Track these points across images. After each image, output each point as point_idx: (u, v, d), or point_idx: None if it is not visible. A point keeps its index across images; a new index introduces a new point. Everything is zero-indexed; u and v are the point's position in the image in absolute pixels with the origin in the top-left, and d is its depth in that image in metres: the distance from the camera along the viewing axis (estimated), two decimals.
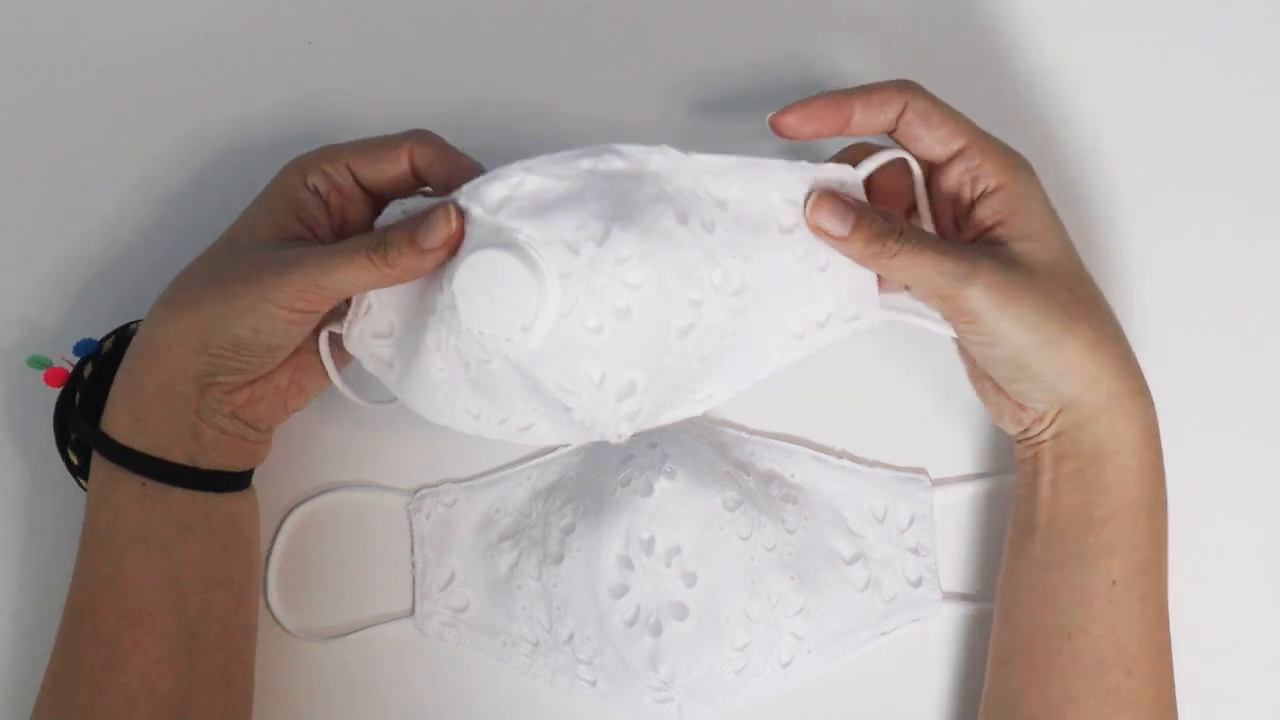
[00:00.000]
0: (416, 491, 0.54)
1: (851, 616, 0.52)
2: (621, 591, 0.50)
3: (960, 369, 0.52)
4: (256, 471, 0.51)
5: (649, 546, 0.49)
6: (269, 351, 0.46)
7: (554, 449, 0.54)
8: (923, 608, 0.52)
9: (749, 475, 0.52)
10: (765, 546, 0.51)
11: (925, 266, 0.44)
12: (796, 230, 0.48)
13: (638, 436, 0.52)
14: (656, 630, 0.49)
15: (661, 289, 0.44)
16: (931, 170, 0.48)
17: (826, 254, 0.49)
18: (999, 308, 0.44)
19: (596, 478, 0.52)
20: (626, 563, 0.50)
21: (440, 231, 0.44)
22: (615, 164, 0.45)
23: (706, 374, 0.48)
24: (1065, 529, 0.47)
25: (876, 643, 0.52)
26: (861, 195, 0.47)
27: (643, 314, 0.44)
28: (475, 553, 0.53)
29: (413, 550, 0.54)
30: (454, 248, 0.44)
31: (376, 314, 0.49)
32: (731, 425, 0.54)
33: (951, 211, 0.48)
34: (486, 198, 0.44)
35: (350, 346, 0.49)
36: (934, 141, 0.46)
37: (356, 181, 0.48)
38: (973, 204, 0.47)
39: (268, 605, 0.53)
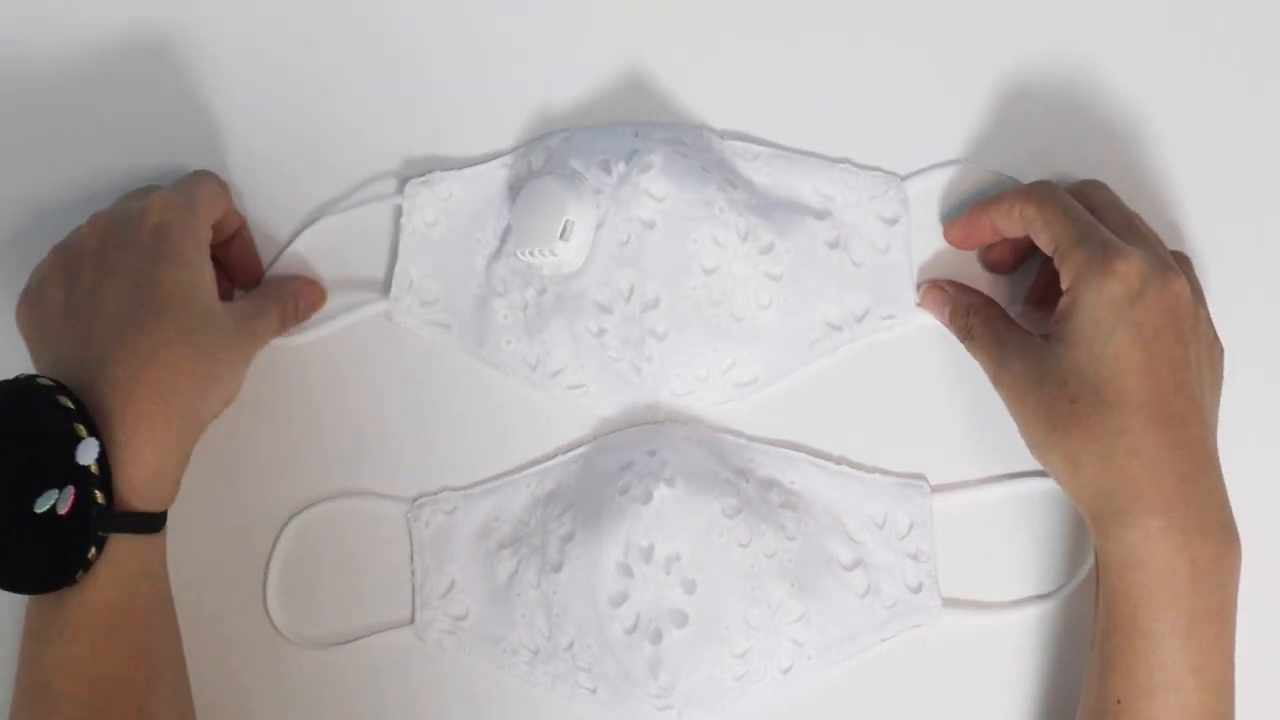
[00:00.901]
0: (415, 500, 0.54)
1: (852, 623, 0.52)
2: (621, 599, 0.49)
3: (959, 375, 0.53)
4: (258, 479, 0.54)
5: (648, 554, 0.49)
6: None
7: (552, 456, 0.54)
8: (923, 614, 0.52)
9: (748, 482, 0.52)
10: (765, 553, 0.50)
11: (977, 359, 0.51)
12: (828, 219, 0.54)
13: (637, 442, 0.53)
14: (656, 638, 0.49)
15: (683, 209, 0.51)
16: None
17: (861, 251, 0.54)
18: (1010, 404, 0.49)
19: (595, 485, 0.52)
20: (626, 570, 0.49)
21: (313, 300, 0.55)
22: (656, 133, 0.54)
23: (742, 340, 0.53)
24: (1094, 630, 0.47)
25: (876, 649, 0.52)
26: (907, 204, 0.54)
27: (666, 229, 0.51)
28: (474, 561, 0.53)
29: (412, 558, 0.53)
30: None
31: (420, 285, 0.55)
32: (730, 432, 0.54)
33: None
34: (547, 144, 0.55)
35: (401, 320, 0.55)
36: (1039, 242, 0.49)
37: None
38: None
39: (267, 613, 0.53)
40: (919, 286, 0.54)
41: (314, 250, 0.56)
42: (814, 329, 0.54)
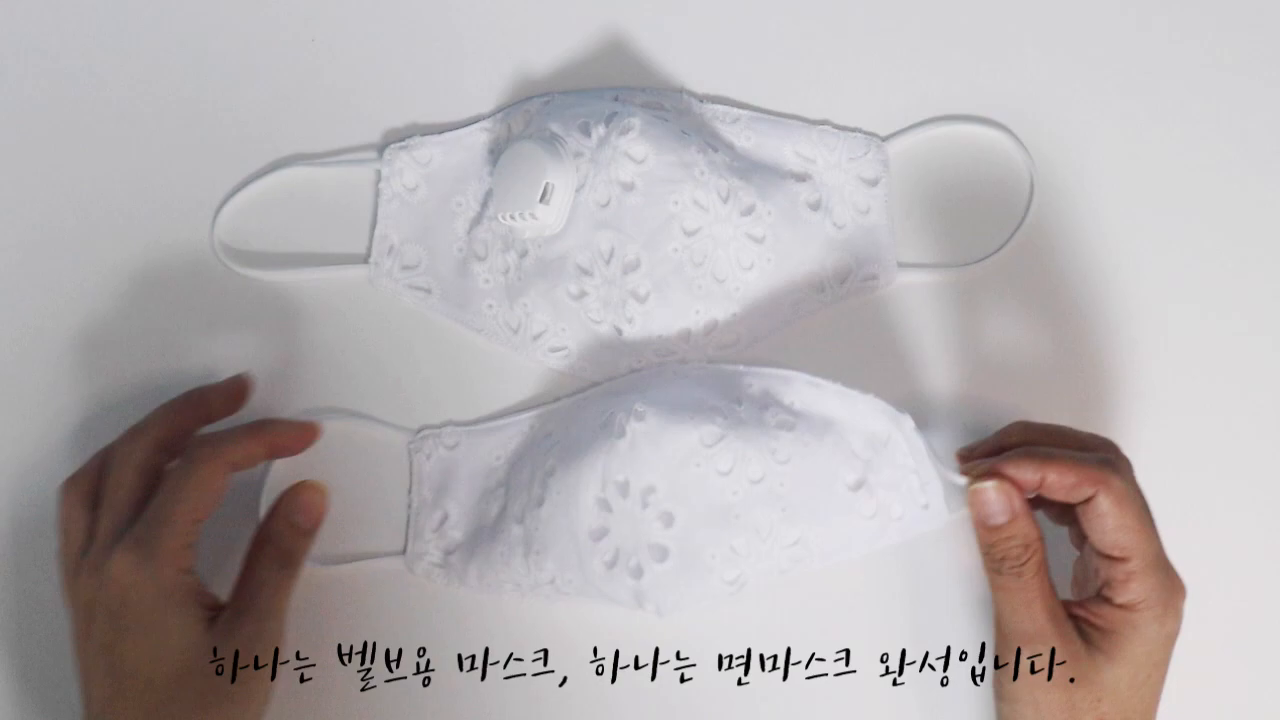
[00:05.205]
0: (419, 431, 0.54)
1: (857, 543, 0.50)
2: (601, 534, 0.49)
3: (940, 337, 0.53)
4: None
5: (624, 489, 0.48)
6: None
7: (556, 399, 0.54)
8: (931, 525, 0.50)
9: (741, 405, 0.50)
10: (750, 479, 0.49)
11: (1007, 604, 0.46)
12: (809, 181, 0.54)
13: (634, 385, 0.52)
14: (637, 573, 0.48)
15: (663, 170, 0.51)
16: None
17: (842, 212, 0.54)
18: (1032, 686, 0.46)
19: (582, 421, 0.52)
20: (604, 505, 0.49)
21: (315, 509, 0.50)
22: (637, 96, 0.55)
23: (724, 301, 0.53)
24: None
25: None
26: (888, 165, 0.54)
27: (646, 191, 0.51)
28: (472, 497, 0.53)
29: (410, 489, 0.53)
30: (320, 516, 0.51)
31: (401, 250, 0.55)
32: (728, 362, 0.53)
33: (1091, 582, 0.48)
34: (526, 108, 0.56)
35: (381, 284, 0.55)
36: (1104, 541, 0.45)
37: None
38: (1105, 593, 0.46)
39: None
40: (970, 474, 0.47)
41: (293, 218, 0.56)
42: (796, 290, 0.53)
